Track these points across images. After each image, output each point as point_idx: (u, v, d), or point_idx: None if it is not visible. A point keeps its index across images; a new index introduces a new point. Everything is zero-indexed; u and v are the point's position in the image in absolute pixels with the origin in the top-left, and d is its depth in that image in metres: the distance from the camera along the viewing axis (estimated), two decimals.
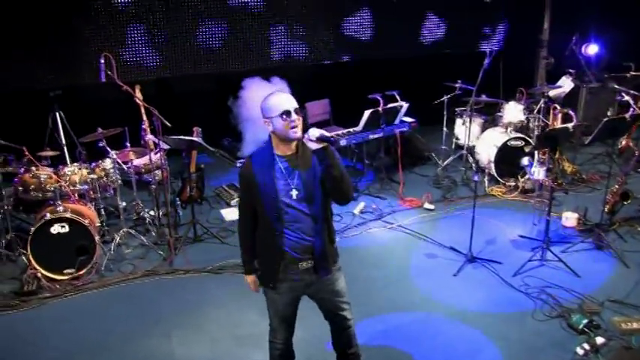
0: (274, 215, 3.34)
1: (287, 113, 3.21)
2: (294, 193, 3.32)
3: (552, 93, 7.70)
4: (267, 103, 3.29)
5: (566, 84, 7.91)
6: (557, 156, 5.61)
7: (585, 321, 4.60)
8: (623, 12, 9.30)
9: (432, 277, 5.52)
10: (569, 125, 5.52)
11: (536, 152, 6.34)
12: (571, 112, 6.82)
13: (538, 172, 5.99)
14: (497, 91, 8.08)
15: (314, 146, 3.25)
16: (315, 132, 3.24)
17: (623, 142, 7.97)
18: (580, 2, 9.13)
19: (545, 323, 4.74)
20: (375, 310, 4.95)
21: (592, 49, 8.77)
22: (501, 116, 7.71)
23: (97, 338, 4.69)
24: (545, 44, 9.69)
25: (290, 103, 3.26)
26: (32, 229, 5.40)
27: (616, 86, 7.72)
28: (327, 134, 3.24)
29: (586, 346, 4.36)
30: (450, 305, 5.04)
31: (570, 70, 7.95)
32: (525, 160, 6.53)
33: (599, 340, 4.41)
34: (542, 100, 7.23)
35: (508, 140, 7.28)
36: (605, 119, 5.69)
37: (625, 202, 6.24)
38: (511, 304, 5.03)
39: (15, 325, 4.89)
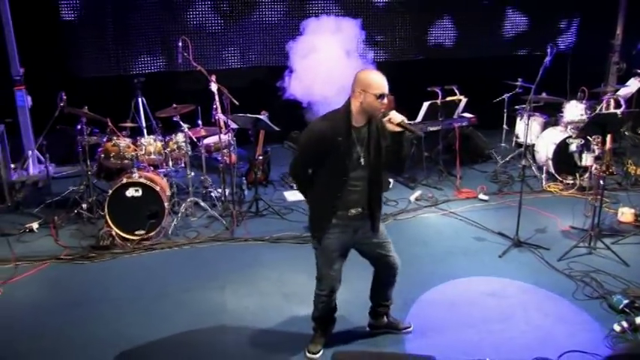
0: (339, 177, 3.70)
1: (383, 96, 3.57)
2: (362, 161, 3.71)
3: (618, 93, 7.61)
4: (369, 78, 3.59)
5: (633, 85, 7.79)
6: (608, 146, 5.61)
7: (626, 301, 4.61)
8: None
9: (477, 257, 5.67)
10: (618, 111, 5.51)
11: (591, 141, 6.29)
12: (621, 98, 6.73)
13: (586, 159, 6.00)
14: (564, 91, 8.04)
15: (392, 128, 3.60)
16: (396, 117, 3.58)
17: None
18: None
19: (584, 302, 4.80)
20: (418, 281, 5.15)
21: None
22: (562, 116, 7.72)
23: (158, 288, 5.17)
24: (618, 49, 9.56)
25: (386, 87, 3.60)
26: (110, 191, 5.99)
27: None
28: (407, 122, 3.60)
29: (624, 323, 4.37)
30: (490, 281, 5.18)
31: (639, 71, 7.82)
32: (574, 146, 6.53)
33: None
34: (605, 100, 7.18)
35: (567, 138, 7.26)
36: None
37: None
38: (552, 284, 5.11)
39: (89, 274, 5.47)
